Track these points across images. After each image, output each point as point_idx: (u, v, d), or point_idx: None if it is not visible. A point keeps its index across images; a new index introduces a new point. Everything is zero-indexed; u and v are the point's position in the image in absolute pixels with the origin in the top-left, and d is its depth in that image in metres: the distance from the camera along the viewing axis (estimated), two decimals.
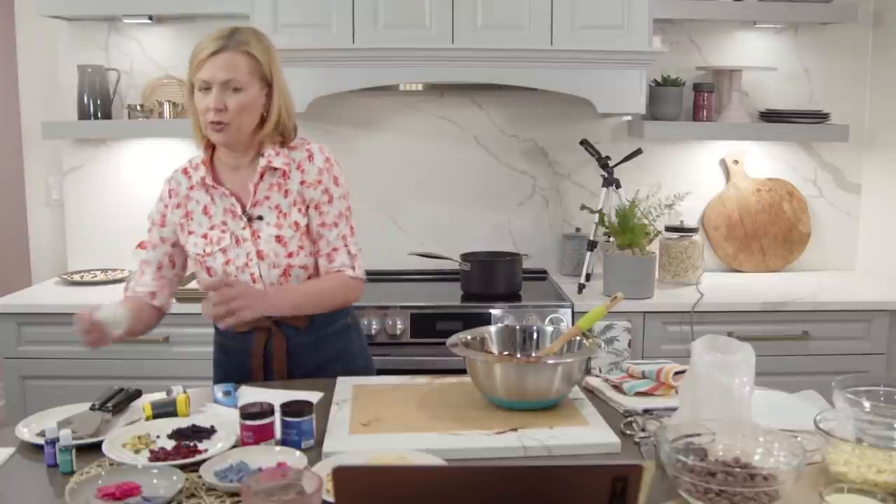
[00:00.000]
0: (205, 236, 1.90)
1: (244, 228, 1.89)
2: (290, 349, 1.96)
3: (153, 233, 1.96)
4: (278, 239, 1.88)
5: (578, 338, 1.79)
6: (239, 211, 1.89)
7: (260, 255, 1.88)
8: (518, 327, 1.89)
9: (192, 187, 1.92)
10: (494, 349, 1.84)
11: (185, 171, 1.95)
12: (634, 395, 1.76)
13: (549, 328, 1.88)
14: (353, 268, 1.94)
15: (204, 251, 1.89)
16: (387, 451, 1.44)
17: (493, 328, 1.88)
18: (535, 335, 1.86)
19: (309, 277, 1.93)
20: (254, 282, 1.89)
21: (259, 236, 1.88)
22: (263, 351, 1.96)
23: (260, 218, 1.88)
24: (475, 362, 1.68)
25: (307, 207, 1.90)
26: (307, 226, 1.90)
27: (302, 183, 1.90)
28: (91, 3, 3.03)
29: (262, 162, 1.88)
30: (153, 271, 1.95)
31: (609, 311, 1.79)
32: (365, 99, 3.25)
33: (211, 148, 1.93)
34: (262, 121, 1.86)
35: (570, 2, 2.88)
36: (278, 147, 1.90)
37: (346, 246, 1.94)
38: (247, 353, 1.97)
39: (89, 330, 1.77)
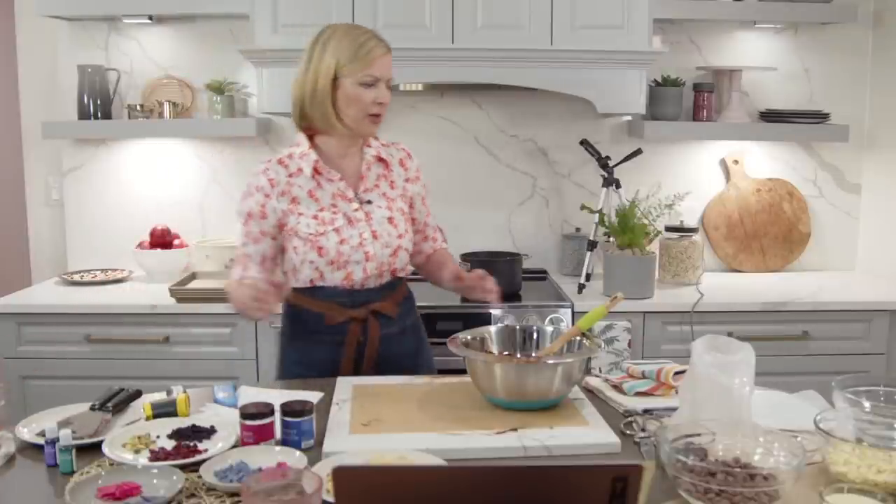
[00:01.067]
0: (315, 217, 1.95)
1: (356, 210, 1.98)
2: (381, 338, 2.01)
3: (251, 226, 1.97)
4: (390, 220, 2.01)
5: (578, 338, 1.79)
6: (350, 194, 1.98)
7: (374, 235, 1.98)
8: (518, 327, 1.89)
9: (291, 175, 1.97)
10: (494, 349, 1.84)
11: (280, 162, 1.99)
12: (634, 395, 1.76)
13: (549, 328, 1.88)
14: (446, 241, 2.24)
15: (317, 231, 1.94)
16: (387, 451, 1.44)
17: (493, 328, 1.88)
18: (535, 335, 1.86)
19: (407, 263, 2.08)
20: (367, 260, 1.97)
21: (371, 218, 1.99)
22: (356, 341, 1.99)
23: (369, 202, 2.00)
24: (475, 362, 1.68)
25: (410, 199, 2.09)
26: (410, 208, 2.09)
27: (407, 179, 2.09)
28: (91, 3, 3.03)
29: (372, 152, 2.03)
30: (257, 264, 1.97)
31: (609, 311, 1.79)
32: None
33: (310, 138, 2.01)
34: None
35: (570, 2, 2.88)
36: (376, 140, 2.06)
37: (439, 228, 2.23)
38: (340, 343, 1.98)
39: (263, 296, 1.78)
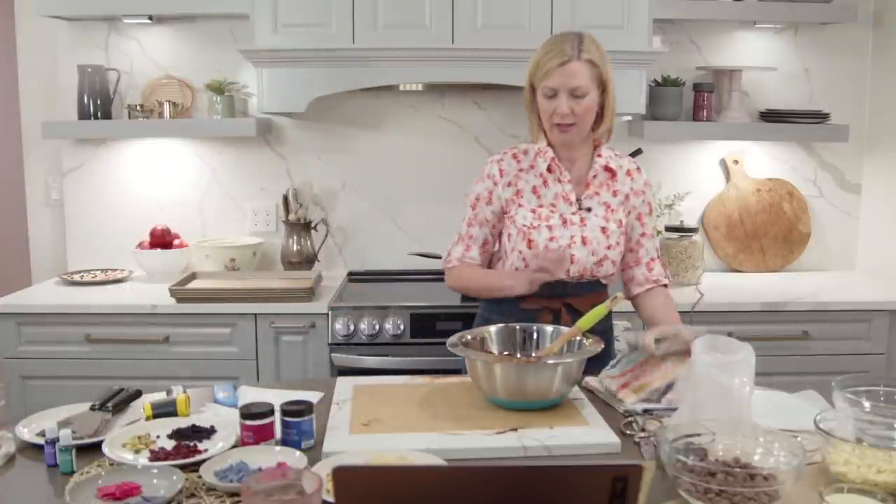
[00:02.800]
0: (533, 211, 2.03)
1: (574, 214, 2.03)
2: None
3: (479, 210, 2.09)
4: (603, 230, 2.03)
5: (578, 338, 1.79)
6: (573, 198, 2.04)
7: (584, 241, 2.02)
8: (518, 327, 1.89)
9: (521, 170, 2.06)
10: (494, 349, 1.84)
11: (514, 156, 2.08)
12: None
13: (550, 328, 1.88)
14: (668, 277, 2.16)
15: (531, 224, 2.01)
16: (387, 451, 1.44)
17: (493, 328, 1.88)
18: (534, 335, 1.86)
19: (612, 273, 2.08)
20: (572, 263, 2.00)
21: (585, 224, 2.03)
22: None
23: (589, 209, 2.04)
24: (475, 363, 1.68)
25: (629, 213, 2.09)
26: (625, 227, 2.08)
27: (632, 189, 2.09)
28: (91, 3, 3.02)
29: (601, 161, 2.06)
30: (479, 246, 2.10)
31: (609, 311, 1.80)
32: (365, 99, 3.25)
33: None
34: (597, 119, 2.02)
35: (570, 2, 2.88)
36: (609, 150, 2.08)
37: (660, 258, 2.16)
38: None
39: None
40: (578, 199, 2.04)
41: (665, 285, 2.13)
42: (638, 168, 2.12)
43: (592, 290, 2.06)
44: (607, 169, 2.06)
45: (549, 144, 2.05)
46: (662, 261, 2.18)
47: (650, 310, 2.09)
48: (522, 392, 1.64)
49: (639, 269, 2.11)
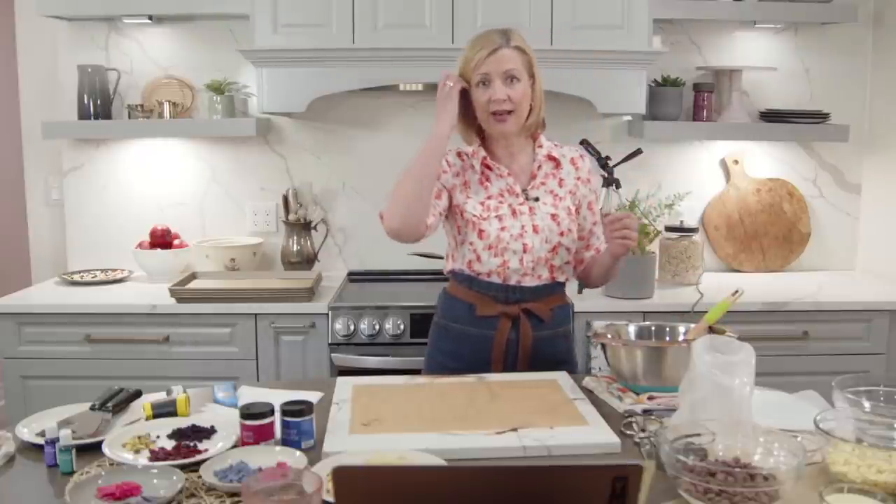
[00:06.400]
0: (482, 203, 2.02)
1: (522, 204, 2.02)
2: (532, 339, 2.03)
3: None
4: (553, 217, 2.03)
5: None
6: (518, 189, 2.03)
7: (535, 229, 2.01)
8: (652, 327, 1.97)
9: (464, 167, 2.05)
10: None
11: (458, 154, 2.07)
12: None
13: (682, 327, 1.94)
14: None
15: (480, 215, 2.00)
16: (387, 451, 1.44)
17: (631, 327, 1.96)
18: (666, 335, 1.96)
19: (568, 262, 2.07)
20: (525, 251, 1.99)
21: (535, 213, 2.02)
22: (506, 340, 2.02)
23: (536, 199, 2.03)
24: (618, 349, 1.80)
25: (578, 202, 2.09)
26: (576, 212, 2.08)
27: (578, 178, 2.09)
28: (91, 3, 3.03)
29: (543, 151, 2.07)
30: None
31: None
32: (365, 99, 3.25)
33: (481, 141, 2.06)
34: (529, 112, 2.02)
35: (570, 2, 2.88)
36: (548, 141, 2.09)
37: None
38: (489, 339, 2.01)
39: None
40: (525, 191, 2.03)
41: None
42: (581, 156, 2.12)
43: (551, 292, 2.05)
44: (551, 158, 2.06)
45: (482, 145, 2.04)
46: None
47: (587, 267, 2.13)
48: (660, 374, 1.72)
49: (588, 254, 2.13)
